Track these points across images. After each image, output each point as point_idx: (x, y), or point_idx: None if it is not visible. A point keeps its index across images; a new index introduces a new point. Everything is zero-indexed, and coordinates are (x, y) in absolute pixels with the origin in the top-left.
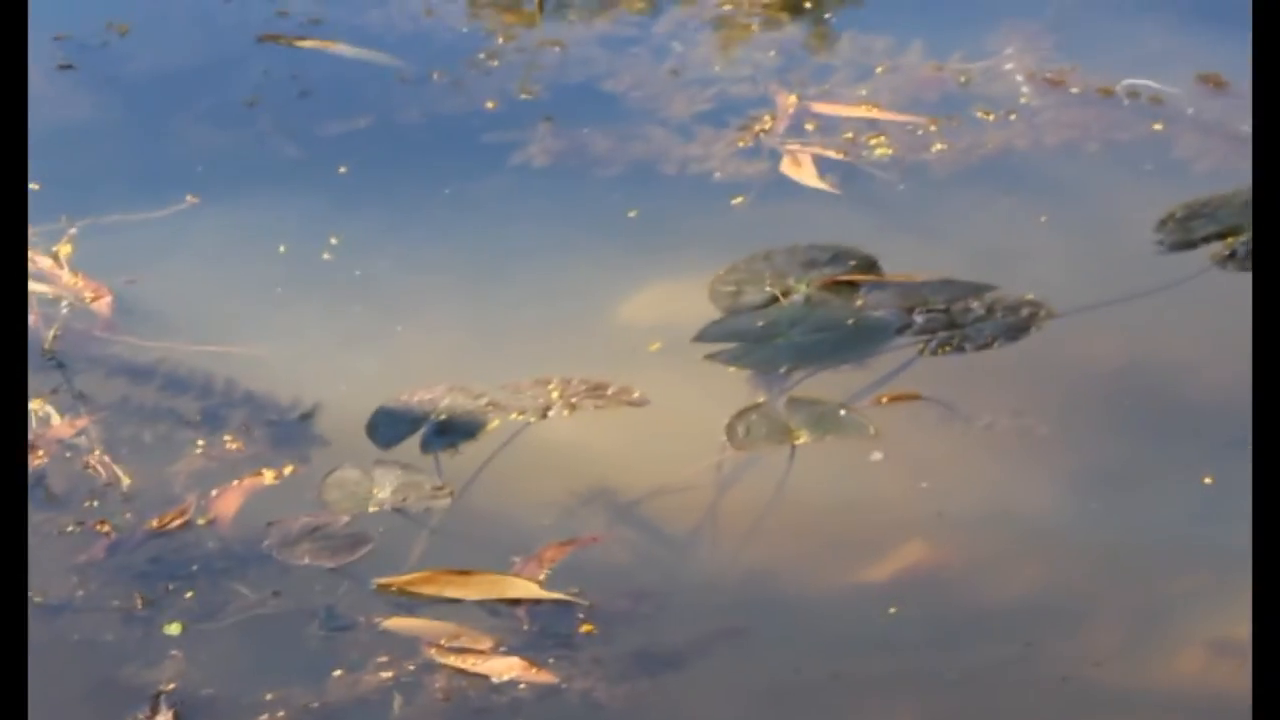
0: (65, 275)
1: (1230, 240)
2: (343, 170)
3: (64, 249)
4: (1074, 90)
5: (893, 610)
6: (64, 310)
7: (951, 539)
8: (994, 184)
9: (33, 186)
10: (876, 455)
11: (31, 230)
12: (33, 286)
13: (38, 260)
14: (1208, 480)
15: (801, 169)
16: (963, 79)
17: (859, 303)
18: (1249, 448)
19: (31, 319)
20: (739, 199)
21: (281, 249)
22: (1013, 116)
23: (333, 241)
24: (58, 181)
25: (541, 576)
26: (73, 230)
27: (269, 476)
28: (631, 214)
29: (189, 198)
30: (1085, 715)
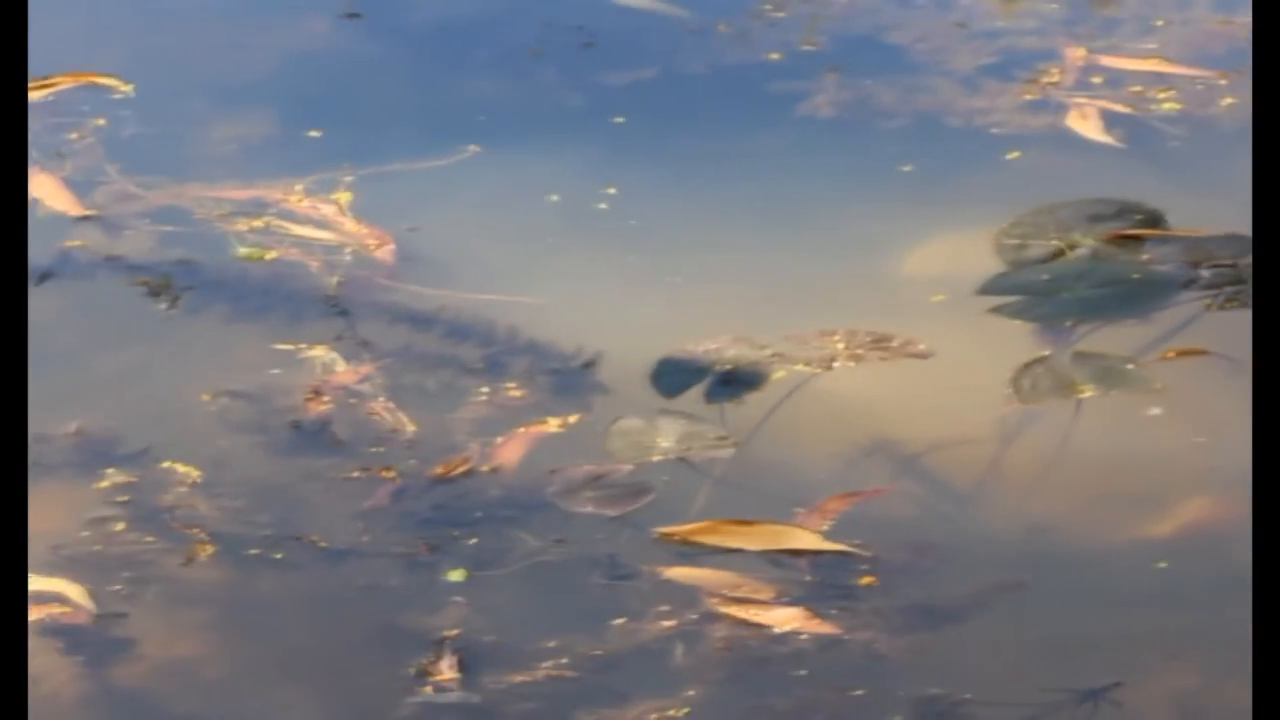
0: (347, 222)
1: None
2: (624, 120)
3: (343, 196)
4: None
5: (1166, 565)
6: (347, 257)
7: (1236, 495)
8: None
9: (314, 134)
10: (1155, 410)
11: (314, 177)
12: (315, 233)
13: (320, 207)
14: None
15: (1088, 122)
16: (1249, 34)
17: (1145, 257)
18: None
19: (314, 266)
20: (1016, 153)
21: (560, 198)
22: None
23: (614, 191)
24: (342, 129)
25: (824, 527)
26: (349, 178)
27: (552, 424)
28: (915, 166)
29: (471, 147)
30: None
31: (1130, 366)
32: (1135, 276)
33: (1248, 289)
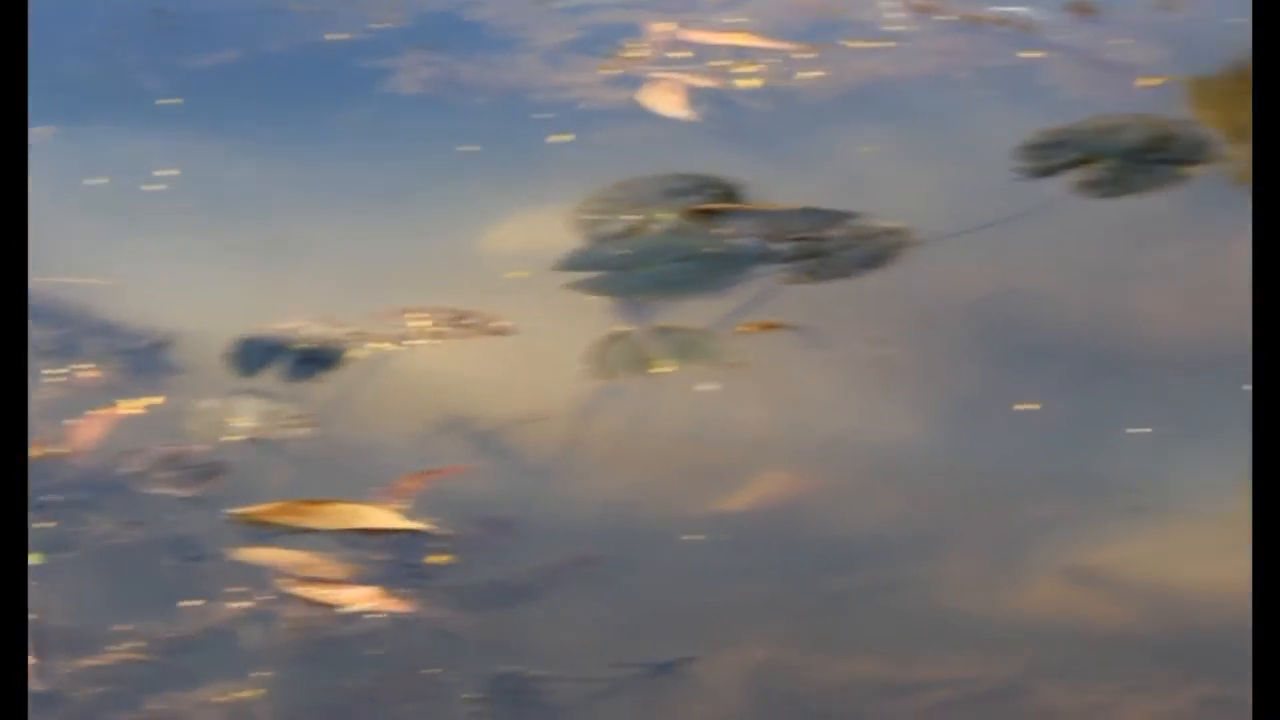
0: None
1: (1089, 167)
2: (207, 101)
3: None
4: (944, 17)
5: (702, 538)
6: None
7: (812, 468)
8: (862, 112)
9: None
10: (713, 385)
11: None
12: None
13: None
14: (1067, 409)
15: (668, 97)
16: (833, 7)
17: (722, 231)
18: (1112, 375)
19: None
20: (569, 136)
21: (141, 179)
22: (884, 44)
23: (194, 171)
24: None
25: (400, 506)
26: None
27: (127, 405)
28: (496, 142)
29: (43, 128)
30: (943, 643)
31: (708, 341)
32: (713, 250)
33: (823, 261)
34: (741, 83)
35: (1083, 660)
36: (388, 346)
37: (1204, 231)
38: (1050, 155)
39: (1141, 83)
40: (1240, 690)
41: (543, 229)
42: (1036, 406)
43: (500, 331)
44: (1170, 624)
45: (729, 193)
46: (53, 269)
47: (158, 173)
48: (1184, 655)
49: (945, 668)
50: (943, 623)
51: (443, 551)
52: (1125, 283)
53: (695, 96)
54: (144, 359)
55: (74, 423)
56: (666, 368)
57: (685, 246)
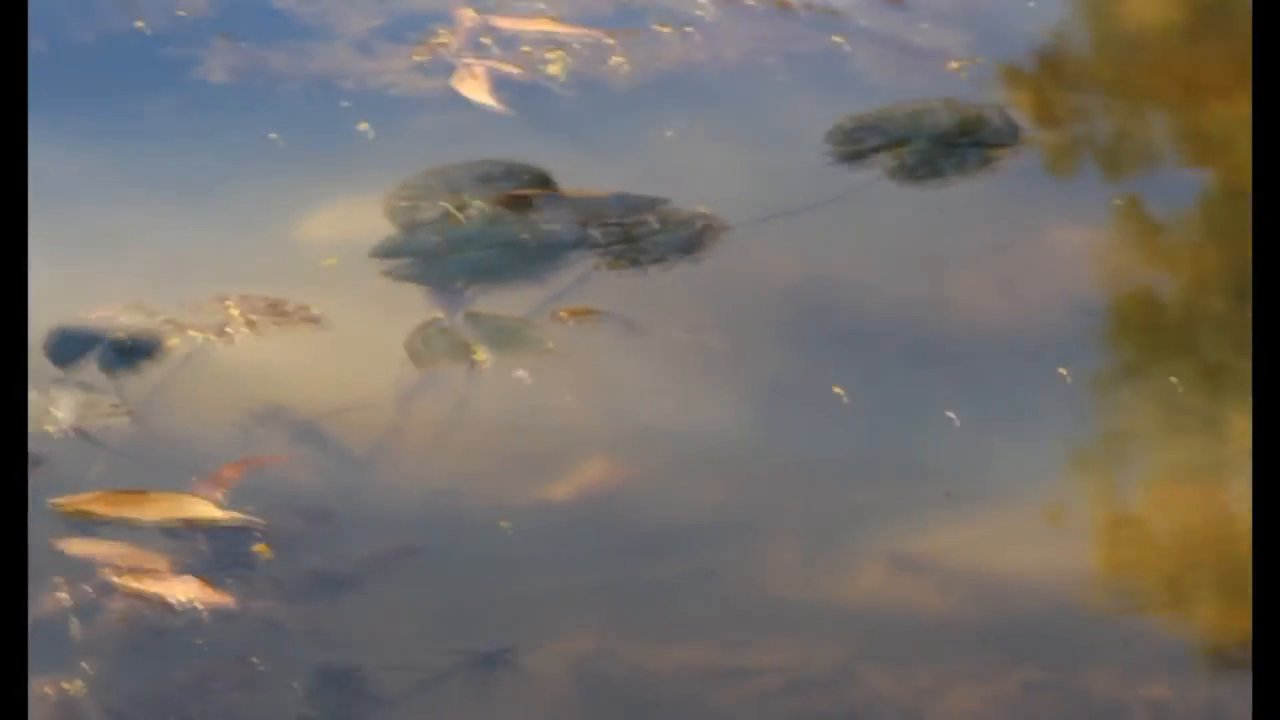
0: None
1: (899, 151)
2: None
3: None
4: (752, 3)
5: (574, 527)
6: None
7: (631, 455)
8: (671, 98)
9: None
10: (529, 372)
11: None
12: None
13: None
14: (882, 395)
15: (475, 84)
16: None
17: (536, 218)
18: (926, 360)
19: None
20: (376, 123)
21: None
22: (691, 30)
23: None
24: None
25: (220, 496)
26: None
27: None
28: (308, 130)
29: None
30: (768, 630)
31: (525, 328)
32: (526, 237)
33: (636, 247)
34: (550, 69)
35: (907, 646)
36: (204, 336)
37: (1015, 215)
38: (860, 140)
39: (950, 67)
40: (1061, 674)
41: (356, 217)
42: (849, 392)
43: (316, 320)
44: (991, 609)
45: (541, 179)
46: None
47: None
48: (1007, 640)
49: (771, 654)
50: (766, 610)
51: (264, 542)
52: (937, 267)
53: (504, 83)
54: None
55: None
56: (483, 355)
57: (499, 233)
